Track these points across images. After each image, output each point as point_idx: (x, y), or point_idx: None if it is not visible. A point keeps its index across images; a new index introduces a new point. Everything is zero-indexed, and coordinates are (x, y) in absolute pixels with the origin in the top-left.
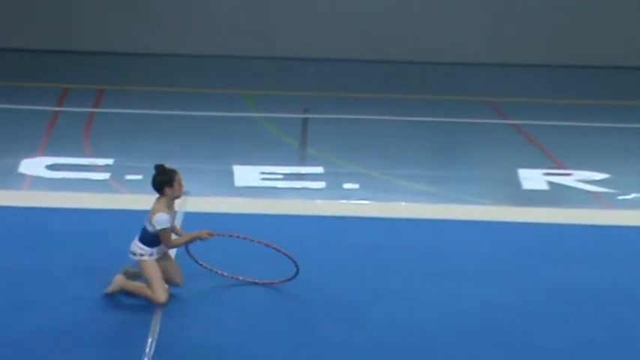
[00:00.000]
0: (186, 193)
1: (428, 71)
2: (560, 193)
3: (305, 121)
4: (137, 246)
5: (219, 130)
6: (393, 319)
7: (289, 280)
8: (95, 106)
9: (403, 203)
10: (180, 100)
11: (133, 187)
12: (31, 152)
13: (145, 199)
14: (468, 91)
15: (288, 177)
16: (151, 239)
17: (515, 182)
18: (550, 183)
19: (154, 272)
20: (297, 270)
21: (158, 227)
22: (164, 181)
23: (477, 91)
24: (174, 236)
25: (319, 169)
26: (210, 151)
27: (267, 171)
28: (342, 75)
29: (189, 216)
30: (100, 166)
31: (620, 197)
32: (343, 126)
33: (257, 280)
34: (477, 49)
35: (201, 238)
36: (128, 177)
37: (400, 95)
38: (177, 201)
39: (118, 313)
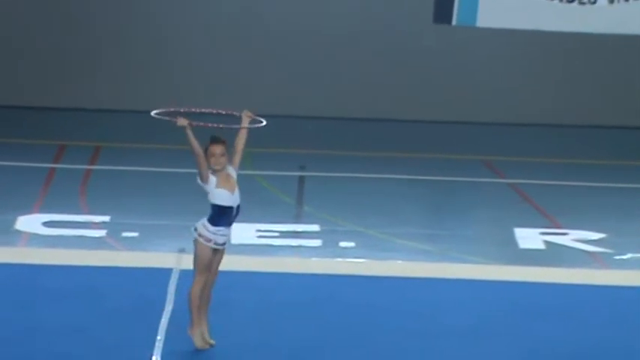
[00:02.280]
0: (182, 251)
1: (424, 129)
2: (556, 252)
3: (301, 178)
4: (201, 223)
5: None
6: None
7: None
8: (91, 163)
9: (399, 261)
10: (176, 157)
11: (130, 244)
12: (28, 209)
13: (142, 257)
14: (465, 149)
15: (284, 235)
16: (214, 213)
17: (512, 241)
18: (546, 242)
19: (205, 258)
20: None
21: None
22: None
23: (474, 150)
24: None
25: (315, 227)
26: (207, 208)
27: (263, 228)
28: (338, 133)
29: (185, 274)
30: (97, 223)
31: (617, 257)
32: (340, 184)
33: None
34: (475, 107)
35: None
36: (124, 234)
37: (397, 154)
38: (173, 259)
39: None
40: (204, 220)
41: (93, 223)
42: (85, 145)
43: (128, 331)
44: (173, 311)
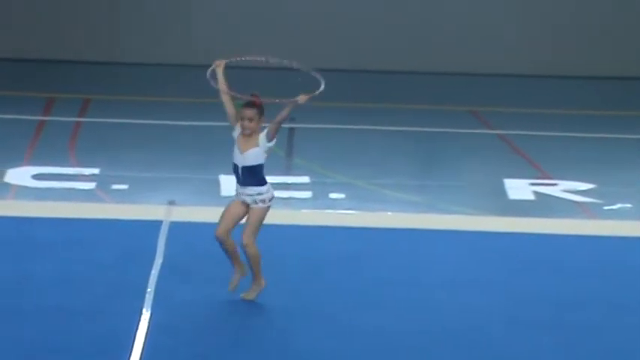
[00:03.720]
0: (172, 203)
1: (414, 81)
2: (546, 203)
3: (291, 130)
4: (256, 191)
5: (206, 139)
6: (378, 329)
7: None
8: (81, 116)
9: (389, 213)
10: (166, 110)
11: (119, 197)
12: (17, 162)
13: (132, 209)
14: (453, 100)
15: (274, 187)
16: (256, 173)
17: (502, 192)
18: (536, 193)
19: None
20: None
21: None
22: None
23: (463, 101)
24: None
25: (305, 179)
26: (197, 161)
27: None
28: (327, 85)
29: (175, 226)
30: (86, 176)
31: (606, 207)
32: (329, 136)
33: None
34: (463, 58)
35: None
36: (114, 187)
37: (386, 105)
38: (162, 211)
39: (101, 323)
40: (257, 188)
41: (82, 176)
42: (74, 97)
43: (118, 283)
44: (163, 263)
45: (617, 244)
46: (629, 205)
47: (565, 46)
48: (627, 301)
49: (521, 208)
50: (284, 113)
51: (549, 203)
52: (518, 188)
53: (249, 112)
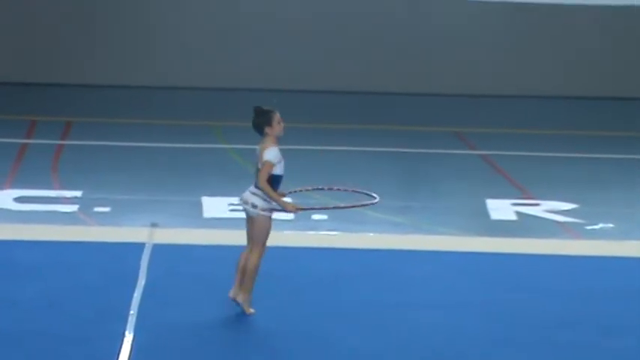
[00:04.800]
0: (155, 225)
1: (398, 102)
2: (528, 223)
3: None
4: (255, 195)
5: (188, 161)
6: (362, 350)
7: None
8: (63, 139)
9: (371, 234)
10: (148, 132)
11: (102, 220)
12: None
13: (114, 232)
14: (437, 121)
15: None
16: (270, 182)
17: (484, 212)
18: (518, 213)
19: (267, 230)
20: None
21: (265, 158)
22: (263, 122)
23: (447, 122)
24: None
25: (287, 200)
26: (179, 183)
27: (235, 202)
28: (306, 106)
29: (157, 248)
30: (68, 199)
31: (588, 227)
32: (311, 157)
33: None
34: (446, 80)
35: (286, 211)
36: (96, 209)
37: (368, 126)
38: (145, 233)
39: (84, 347)
40: (258, 191)
41: (65, 199)
42: (56, 120)
43: (101, 306)
44: (145, 286)
45: (601, 264)
46: (611, 225)
47: (547, 67)
48: (612, 322)
49: (503, 229)
50: (270, 193)
51: (531, 223)
52: (501, 209)
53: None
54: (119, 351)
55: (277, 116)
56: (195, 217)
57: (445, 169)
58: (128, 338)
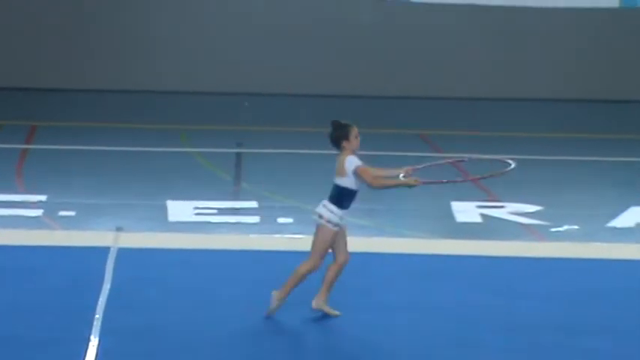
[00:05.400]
0: (120, 230)
1: (362, 104)
2: (493, 225)
3: (239, 155)
4: (326, 207)
5: (153, 165)
6: (329, 352)
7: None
8: (28, 142)
9: None
10: (113, 136)
11: (67, 224)
12: None
13: (79, 236)
14: (402, 124)
15: (222, 212)
16: (343, 195)
17: (449, 215)
18: (483, 215)
19: (326, 245)
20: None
21: (353, 166)
22: (340, 136)
23: (411, 124)
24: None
25: (253, 204)
26: (144, 187)
27: (201, 206)
28: (275, 109)
29: (123, 252)
30: (33, 203)
31: (553, 229)
32: (277, 160)
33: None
34: (411, 82)
35: (409, 186)
36: (61, 213)
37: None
38: (110, 237)
39: (50, 352)
40: (330, 206)
41: (29, 203)
42: (20, 124)
43: (66, 310)
44: (111, 290)
45: (565, 266)
46: (576, 227)
47: (511, 69)
48: (576, 323)
49: (468, 231)
50: (388, 182)
51: (496, 225)
52: (466, 211)
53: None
54: (84, 355)
55: (355, 130)
56: (160, 221)
57: None
58: (93, 342)
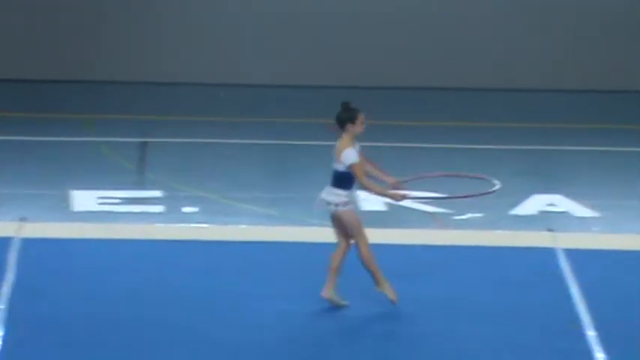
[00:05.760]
0: (23, 220)
1: (265, 94)
2: (398, 213)
3: (144, 145)
4: (333, 193)
5: (57, 155)
6: (236, 343)
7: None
8: None
9: (243, 226)
10: (16, 126)
11: None
12: None
13: None
14: (304, 113)
15: (126, 201)
16: (344, 179)
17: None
18: (388, 204)
19: (357, 221)
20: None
21: (349, 162)
22: (347, 118)
23: (315, 113)
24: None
25: (158, 193)
26: (47, 177)
27: (105, 195)
28: (179, 99)
29: (26, 242)
30: None
31: (456, 217)
32: (182, 150)
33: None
34: (306, 69)
35: (394, 199)
36: None
37: (237, 118)
38: (13, 227)
39: None
40: (335, 190)
41: None
42: None
43: None
44: (15, 280)
45: (469, 253)
46: (479, 215)
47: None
48: (477, 309)
49: (374, 219)
50: (373, 188)
51: (402, 214)
52: (372, 200)
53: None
54: None
55: (362, 117)
56: (64, 210)
57: (313, 160)
58: None
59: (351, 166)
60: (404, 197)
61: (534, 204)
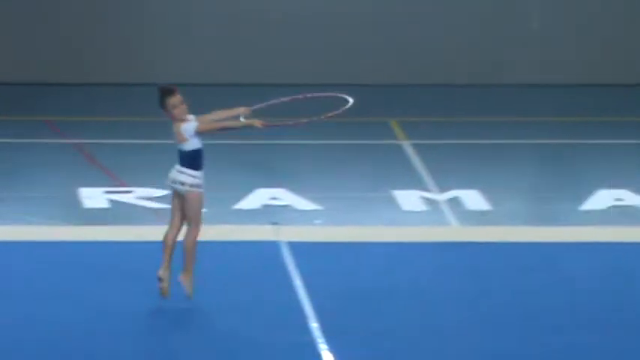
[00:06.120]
0: None
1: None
2: (121, 210)
3: None
4: (184, 173)
5: None
6: None
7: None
8: None
9: None
10: None
11: None
12: None
13: None
14: (28, 111)
15: None
16: (193, 158)
17: (76, 201)
18: (111, 201)
19: (200, 207)
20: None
21: (193, 131)
22: (160, 107)
23: (38, 111)
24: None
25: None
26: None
27: None
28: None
29: None
30: None
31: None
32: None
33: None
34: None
35: (253, 126)
36: None
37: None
38: None
39: None
40: (185, 170)
41: None
42: None
43: None
44: None
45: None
46: (204, 210)
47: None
48: (192, 303)
49: (96, 217)
50: (230, 124)
51: (125, 210)
52: (93, 197)
53: (179, 98)
54: None
55: (172, 101)
56: None
57: (37, 159)
58: None
59: (198, 131)
60: (263, 123)
61: (258, 198)
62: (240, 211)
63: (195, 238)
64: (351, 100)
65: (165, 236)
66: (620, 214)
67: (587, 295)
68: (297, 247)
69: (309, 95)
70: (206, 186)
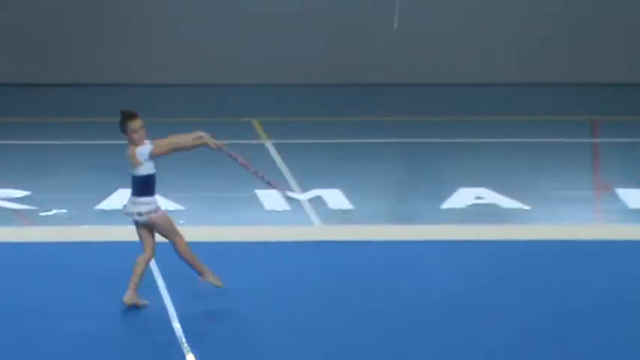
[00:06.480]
0: None
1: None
2: None
3: None
4: (139, 204)
5: None
6: None
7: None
8: None
9: None
10: None
11: None
12: None
13: None
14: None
15: None
16: (146, 183)
17: None
18: None
19: (170, 222)
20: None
21: (147, 154)
22: (121, 130)
23: None
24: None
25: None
26: None
27: None
28: None
29: None
30: None
31: (42, 214)
32: None
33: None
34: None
35: (206, 146)
36: None
37: None
38: None
39: None
40: (138, 199)
41: None
42: None
43: None
44: None
45: (64, 250)
46: (64, 211)
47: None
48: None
49: None
50: (185, 141)
51: None
52: None
53: (141, 122)
54: None
55: (133, 124)
56: None
57: None
58: None
59: (153, 154)
60: (217, 144)
61: (120, 198)
62: (103, 211)
63: (185, 244)
64: (292, 196)
65: (139, 257)
66: (479, 213)
67: (447, 294)
68: (159, 248)
69: (260, 174)
70: (68, 187)
